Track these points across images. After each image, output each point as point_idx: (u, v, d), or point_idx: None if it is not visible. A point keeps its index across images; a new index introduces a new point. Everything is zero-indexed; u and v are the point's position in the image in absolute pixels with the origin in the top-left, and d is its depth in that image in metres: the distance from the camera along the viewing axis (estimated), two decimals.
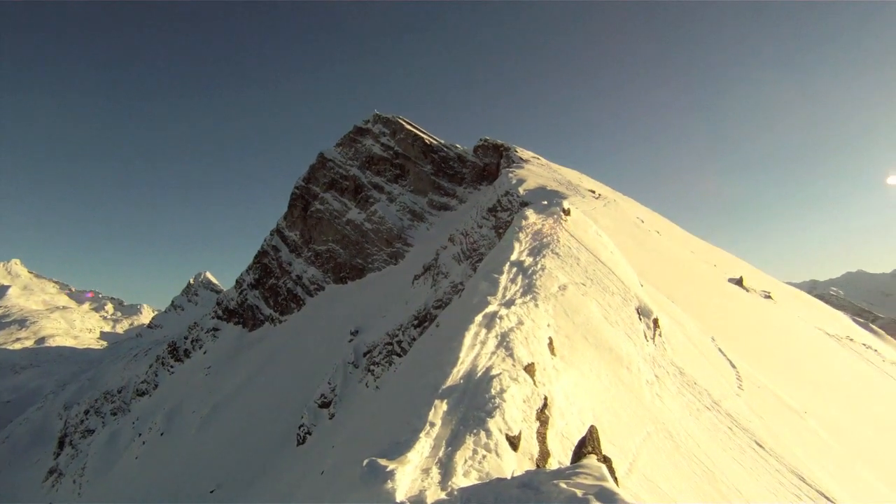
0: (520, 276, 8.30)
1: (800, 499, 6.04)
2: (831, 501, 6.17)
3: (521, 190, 20.01)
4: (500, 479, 2.89)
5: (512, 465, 3.51)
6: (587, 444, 3.29)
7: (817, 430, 8.34)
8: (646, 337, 8.29)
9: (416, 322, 20.57)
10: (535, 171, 25.87)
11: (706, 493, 5.36)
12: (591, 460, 2.88)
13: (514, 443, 3.80)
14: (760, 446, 6.84)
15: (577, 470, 2.57)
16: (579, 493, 2.15)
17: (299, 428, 20.08)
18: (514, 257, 9.24)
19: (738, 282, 18.76)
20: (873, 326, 26.47)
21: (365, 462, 3.21)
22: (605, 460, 3.27)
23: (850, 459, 7.91)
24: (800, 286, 64.26)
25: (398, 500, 2.82)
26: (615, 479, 2.99)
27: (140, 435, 28.92)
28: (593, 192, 22.41)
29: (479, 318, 5.87)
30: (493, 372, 4.53)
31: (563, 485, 2.29)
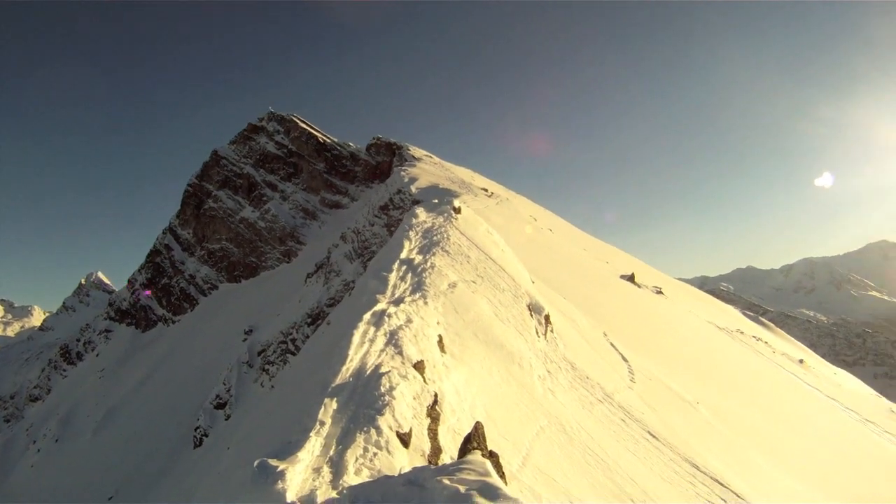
0: (409, 274, 15.44)
1: (694, 486, 13.05)
2: (725, 486, 13.59)
3: (413, 188, 42.22)
4: (387, 477, 6.59)
5: (403, 462, 7.14)
6: (472, 440, 7.21)
7: (709, 420, 16.86)
8: (537, 333, 15.81)
9: (309, 320, 45.21)
10: (428, 169, 54.06)
11: (601, 483, 11.07)
12: (476, 456, 7.01)
13: (404, 440, 7.77)
14: (654, 436, 13.67)
15: (461, 466, 6.09)
16: (462, 488, 5.30)
17: (196, 430, 42.22)
18: (403, 255, 17.08)
19: (630, 278, 36.50)
20: (763, 320, 53.32)
21: (256, 463, 6.33)
22: (492, 455, 7.41)
23: (742, 446, 16.47)
24: (691, 282, 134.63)
25: (289, 500, 5.79)
26: (502, 474, 7.16)
27: (34, 442, 59.47)
28: (486, 190, 45.31)
29: (367, 316, 11.24)
30: (383, 370, 9.00)
31: (446, 481, 5.53)
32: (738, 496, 13.15)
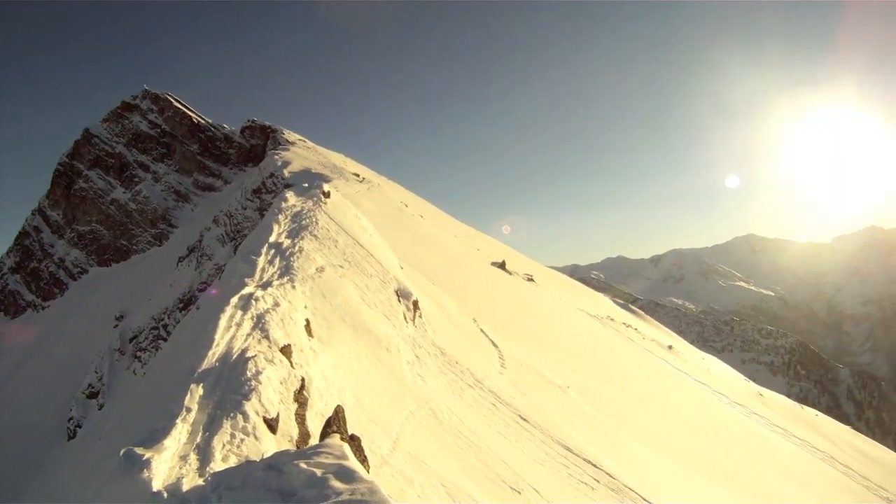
0: (278, 258, 16.06)
1: (567, 467, 13.81)
2: (597, 467, 14.41)
3: (286, 172, 46.14)
4: (249, 462, 6.88)
5: (271, 447, 7.38)
6: (332, 424, 7.54)
7: (580, 404, 18.00)
8: (405, 318, 16.49)
9: (181, 305, 47.23)
10: (301, 153, 57.71)
11: (472, 465, 11.57)
12: (334, 440, 7.34)
13: (272, 425, 8.03)
14: (525, 420, 14.45)
15: (319, 450, 6.60)
16: (319, 472, 5.66)
17: (69, 421, 44.52)
18: (272, 239, 17.82)
19: (501, 265, 38.53)
20: (633, 307, 57.74)
21: (122, 452, 6.43)
22: (353, 439, 7.83)
23: (613, 429, 17.68)
24: (562, 270, 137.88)
25: (154, 489, 5.95)
26: (364, 458, 7.63)
27: None
28: (358, 175, 47.64)
29: (235, 299, 11.55)
30: (249, 354, 9.17)
31: (303, 465, 5.89)
32: (610, 476, 14.03)
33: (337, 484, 5.05)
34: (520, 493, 11.22)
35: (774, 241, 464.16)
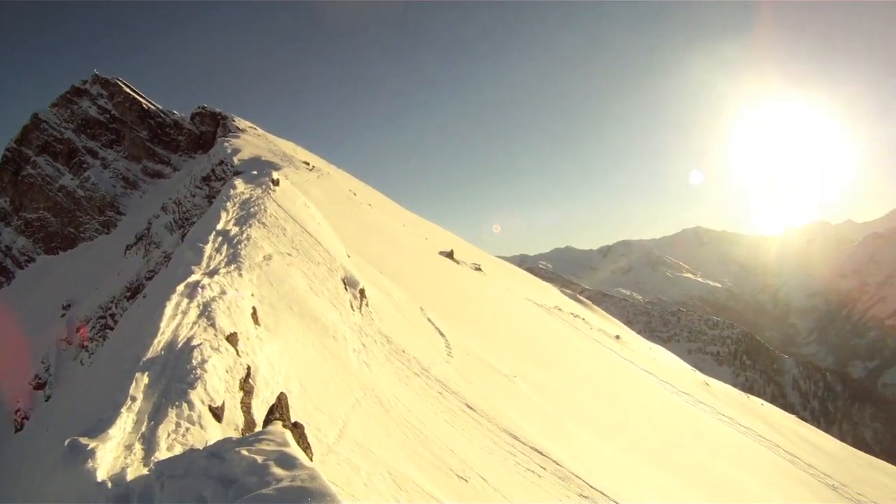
0: (225, 246, 16.20)
1: (514, 455, 14.07)
2: (544, 455, 14.71)
3: (235, 160, 45.44)
4: (192, 450, 6.97)
5: (216, 436, 7.45)
6: (275, 412, 7.66)
7: (527, 392, 18.35)
8: (352, 307, 16.78)
9: (128, 294, 47.56)
10: (252, 141, 57.39)
11: (419, 454, 11.73)
12: (276, 426, 7.46)
13: (217, 414, 8.15)
14: (472, 409, 14.71)
15: (261, 437, 6.78)
16: (260, 459, 5.81)
17: (16, 413, 44.03)
18: (220, 227, 18.06)
19: (449, 254, 39.39)
20: (580, 297, 58.96)
21: (66, 442, 6.47)
22: (296, 426, 7.99)
23: (560, 417, 18.06)
24: (510, 260, 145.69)
25: (99, 479, 6.03)
26: (307, 445, 7.81)
27: None
28: (307, 163, 47.48)
29: (181, 287, 11.62)
30: (195, 342, 9.25)
31: (244, 452, 6.04)
32: (557, 464, 14.34)
33: (278, 470, 5.16)
34: (467, 481, 11.41)
35: (722, 233, 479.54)
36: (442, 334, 19.91)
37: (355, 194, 45.46)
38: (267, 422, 7.42)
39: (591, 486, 14.07)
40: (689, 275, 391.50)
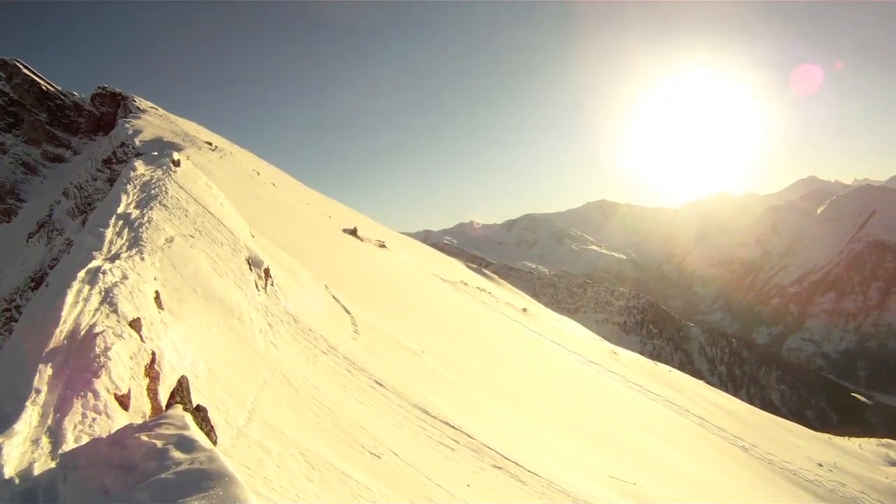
0: (126, 230, 15.68)
1: (425, 429, 14.46)
2: (455, 428, 15.10)
3: (136, 141, 46.48)
4: (95, 440, 7.02)
5: (123, 424, 7.92)
6: (175, 395, 7.94)
7: (436, 367, 18.82)
8: (257, 287, 16.79)
9: (32, 284, 48.18)
10: (153, 121, 58.17)
11: (330, 432, 11.98)
12: (176, 410, 7.54)
13: (123, 402, 8.12)
14: (381, 385, 15.05)
15: (161, 421, 6.92)
16: (159, 443, 6.01)
17: None
18: (121, 210, 17.60)
19: (353, 232, 40.02)
20: (486, 272, 61.43)
21: None
22: (198, 410, 8.13)
23: (469, 391, 18.66)
24: (414, 236, 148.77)
25: (6, 475, 5.92)
26: (211, 428, 7.92)
27: None
28: (210, 143, 48.10)
29: (81, 274, 11.18)
30: (97, 330, 9.08)
31: (144, 437, 6.27)
32: (469, 436, 14.79)
33: (177, 454, 5.27)
34: (379, 457, 11.69)
35: (627, 206, 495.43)
36: (348, 311, 20.16)
37: (258, 174, 45.61)
38: (168, 406, 7.54)
39: (505, 457, 14.57)
40: (594, 247, 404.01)
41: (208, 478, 4.71)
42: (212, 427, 7.67)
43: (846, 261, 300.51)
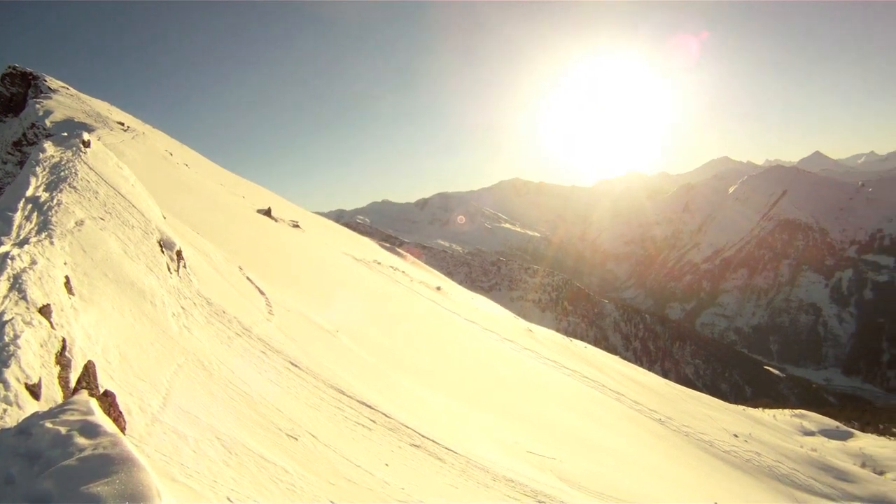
0: (35, 213, 15.38)
1: (342, 410, 14.67)
2: (372, 408, 15.33)
3: (47, 122, 45.82)
4: (2, 430, 7.13)
5: None
6: (82, 381, 7.92)
7: (351, 347, 19.09)
8: (169, 269, 16.65)
9: None
10: (65, 102, 56.61)
11: (246, 415, 12.06)
12: (81, 395, 7.49)
13: (34, 392, 8.04)
14: (296, 366, 15.20)
15: (66, 407, 6.94)
16: (64, 430, 5.98)
17: None
18: (30, 193, 17.26)
19: (267, 212, 40.45)
20: (399, 250, 62.15)
21: None
22: (106, 395, 8.18)
23: (385, 370, 19.01)
24: (327, 215, 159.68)
25: None
26: (119, 414, 7.98)
27: None
28: (122, 124, 48.62)
29: None
30: (6, 317, 8.90)
31: (49, 424, 6.26)
32: (386, 416, 15.08)
33: (81, 440, 5.28)
34: (297, 439, 11.84)
35: (540, 184, 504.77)
36: (262, 292, 20.17)
37: (171, 154, 45.32)
38: (74, 392, 7.57)
39: (422, 435, 14.89)
40: (507, 225, 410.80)
41: (111, 462, 4.80)
42: (120, 413, 7.71)
43: (757, 238, 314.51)
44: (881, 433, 63.81)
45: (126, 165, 23.81)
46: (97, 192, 18.86)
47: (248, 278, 21.26)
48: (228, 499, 8.20)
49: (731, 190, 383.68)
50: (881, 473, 40.74)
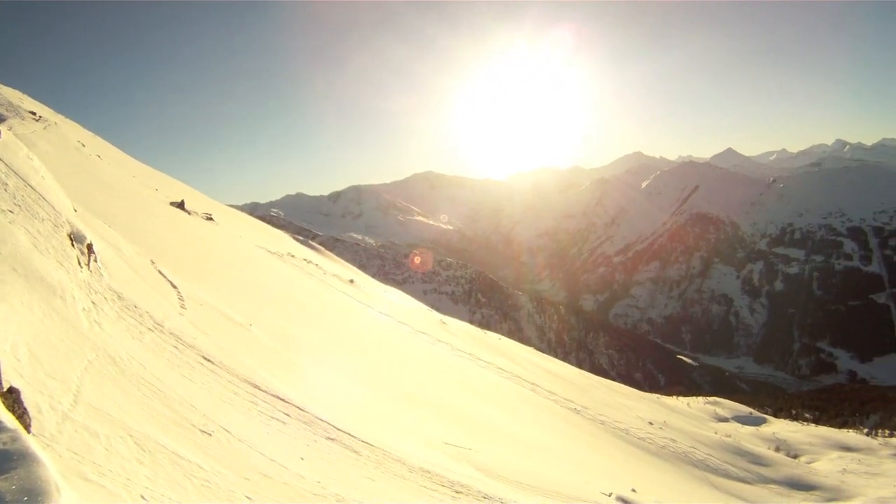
0: None
1: (256, 404, 14.64)
2: (286, 402, 15.35)
3: None
4: None
5: None
6: None
7: (265, 341, 19.07)
8: (80, 263, 16.14)
9: None
10: None
11: (159, 412, 11.96)
12: None
13: None
14: (209, 360, 15.12)
15: None
16: None
17: None
18: None
19: (180, 205, 39.56)
20: (313, 243, 61.60)
21: None
22: (10, 392, 7.96)
23: (299, 363, 19.09)
24: (241, 208, 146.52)
25: None
26: (24, 411, 7.86)
27: None
28: (34, 113, 45.94)
29: None
30: None
31: None
32: (300, 409, 15.14)
33: None
34: (210, 435, 11.81)
35: (453, 178, 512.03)
36: (174, 286, 19.88)
37: (84, 145, 44.28)
38: None
39: (337, 428, 15.00)
40: (420, 218, 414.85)
41: (9, 458, 4.78)
42: (25, 409, 7.63)
43: (670, 232, 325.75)
44: (793, 418, 67.30)
45: (36, 156, 23.40)
46: (6, 184, 18.39)
47: (160, 272, 20.92)
48: (142, 497, 8.17)
49: (644, 185, 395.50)
50: (795, 457, 42.83)
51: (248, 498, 10.49)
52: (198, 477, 10.21)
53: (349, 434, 15.15)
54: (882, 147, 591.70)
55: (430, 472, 15.00)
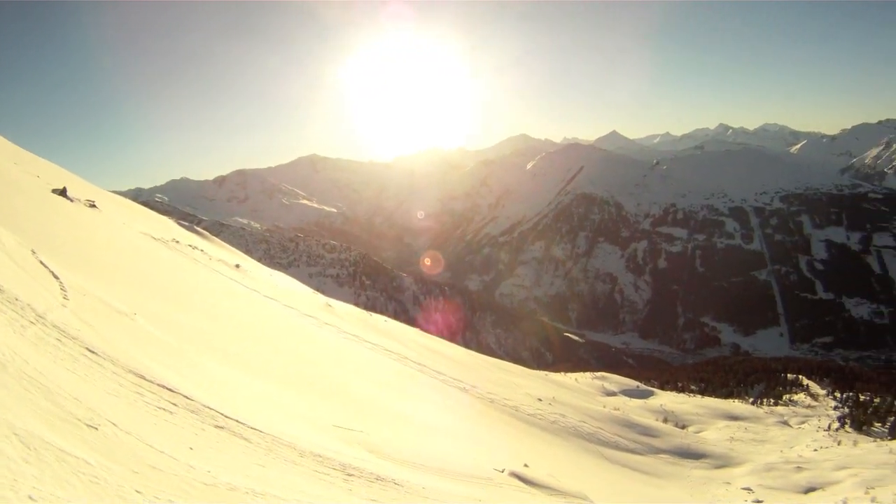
0: None
1: (142, 395, 14.35)
2: (173, 392, 15.04)
3: None
4: None
5: None
6: None
7: (150, 329, 18.71)
8: None
9: None
10: None
11: (43, 407, 11.60)
12: None
13: None
14: (93, 352, 14.72)
15: None
16: None
17: None
18: None
19: (62, 192, 37.92)
20: (198, 229, 61.67)
21: None
22: None
23: (184, 351, 18.76)
24: (125, 194, 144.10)
25: None
26: None
27: None
28: None
29: None
30: None
31: None
32: (187, 398, 14.86)
33: None
34: (97, 428, 11.52)
35: (337, 160, 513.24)
36: (56, 277, 19.14)
37: None
38: None
39: (226, 416, 14.81)
40: (305, 201, 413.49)
41: None
42: None
43: (555, 212, 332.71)
44: (680, 391, 69.96)
45: None
46: None
47: (41, 262, 20.14)
48: (30, 497, 7.95)
49: (529, 166, 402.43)
50: (683, 427, 44.84)
51: (138, 492, 10.29)
52: (85, 473, 9.96)
53: (238, 421, 15.01)
54: (764, 131, 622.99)
55: (321, 457, 15.02)
